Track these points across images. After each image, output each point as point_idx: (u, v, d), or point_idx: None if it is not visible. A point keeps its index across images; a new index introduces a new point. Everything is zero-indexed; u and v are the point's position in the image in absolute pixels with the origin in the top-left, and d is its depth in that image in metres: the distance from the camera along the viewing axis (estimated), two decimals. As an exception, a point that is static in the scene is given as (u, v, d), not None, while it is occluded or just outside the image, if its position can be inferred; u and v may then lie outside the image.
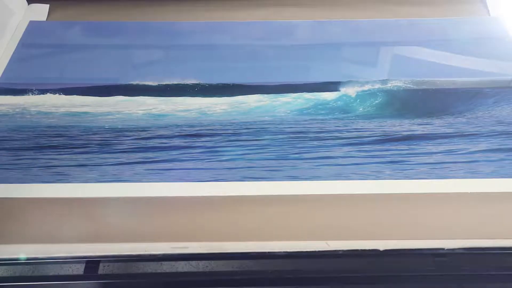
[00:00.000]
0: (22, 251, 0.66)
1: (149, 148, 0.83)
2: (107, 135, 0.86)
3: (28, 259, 0.67)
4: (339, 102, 0.94)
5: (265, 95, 0.96)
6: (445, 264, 0.65)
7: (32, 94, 0.96)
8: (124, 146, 0.84)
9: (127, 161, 0.81)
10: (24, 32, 1.09)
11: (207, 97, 0.95)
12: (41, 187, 0.75)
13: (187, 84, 0.98)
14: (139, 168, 0.79)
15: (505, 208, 0.71)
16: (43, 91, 0.96)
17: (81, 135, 0.86)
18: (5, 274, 0.71)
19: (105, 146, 0.84)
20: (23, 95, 0.95)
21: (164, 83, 0.98)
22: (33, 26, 1.11)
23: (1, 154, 0.82)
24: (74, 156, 0.82)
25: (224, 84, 0.98)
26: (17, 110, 0.92)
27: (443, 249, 0.66)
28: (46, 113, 0.92)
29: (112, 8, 1.15)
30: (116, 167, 0.79)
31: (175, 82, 0.98)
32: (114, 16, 1.13)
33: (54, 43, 1.08)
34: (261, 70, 1.01)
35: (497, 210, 0.71)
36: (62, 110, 0.93)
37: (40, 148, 0.84)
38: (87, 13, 1.14)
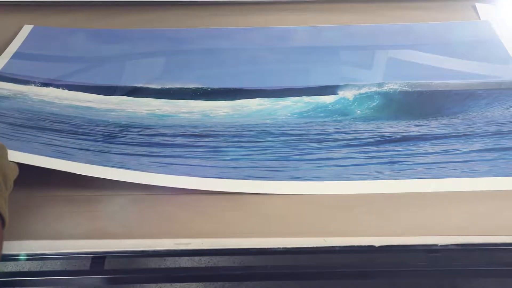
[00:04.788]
0: (29, 248, 0.67)
1: (154, 144, 0.83)
2: (111, 128, 0.86)
3: (36, 255, 0.67)
4: (337, 105, 0.95)
5: (266, 99, 0.97)
6: (438, 259, 0.66)
7: (35, 85, 0.96)
8: (128, 140, 0.84)
9: (132, 152, 0.80)
10: (28, 34, 1.10)
11: (210, 100, 0.97)
12: (41, 159, 0.73)
13: (189, 88, 0.99)
14: (144, 160, 0.79)
15: (500, 206, 0.72)
16: (46, 84, 0.97)
17: (85, 125, 0.86)
18: (14, 269, 0.72)
19: (109, 137, 0.83)
20: (25, 84, 0.95)
21: (167, 86, 1.00)
22: (36, 30, 1.12)
23: (1, 126, 0.81)
24: (77, 141, 0.81)
25: (226, 88, 0.99)
26: (18, 95, 0.92)
27: (436, 245, 0.67)
28: (49, 102, 0.92)
29: (115, 15, 1.17)
30: (121, 156, 0.79)
31: (178, 86, 1.00)
32: (116, 24, 1.15)
33: (58, 47, 1.10)
34: (262, 75, 1.02)
35: (492, 208, 0.72)
36: (65, 102, 0.93)
37: (42, 129, 0.83)
38: (90, 19, 1.16)
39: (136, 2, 1.19)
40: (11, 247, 0.66)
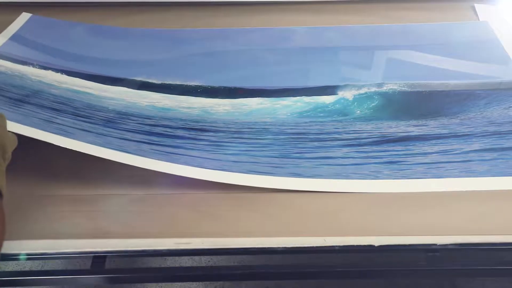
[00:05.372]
0: (30, 247, 0.67)
1: (154, 133, 0.83)
2: (111, 115, 0.86)
3: (37, 254, 0.68)
4: (337, 105, 0.96)
5: (266, 98, 0.98)
6: (437, 259, 0.67)
7: (33, 67, 0.96)
8: (129, 127, 0.84)
9: (132, 138, 0.80)
10: (26, 21, 1.10)
11: (210, 98, 0.97)
12: (42, 134, 0.72)
13: (190, 85, 0.99)
14: (145, 147, 0.79)
15: (498, 206, 0.73)
16: (44, 67, 0.97)
17: (85, 109, 0.85)
18: (16, 269, 0.72)
19: (109, 122, 0.83)
20: (23, 65, 0.95)
21: (167, 82, 1.00)
22: (35, 19, 1.12)
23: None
24: (77, 122, 0.80)
25: (226, 87, 1.00)
26: (16, 73, 0.92)
27: (435, 244, 0.67)
28: (47, 84, 0.91)
29: (116, 15, 1.17)
30: (121, 140, 0.79)
31: (178, 83, 1.00)
32: (118, 24, 1.15)
33: (57, 35, 1.10)
34: (262, 75, 1.03)
35: (491, 208, 0.72)
36: (64, 86, 0.93)
37: (41, 106, 0.82)
38: (91, 20, 1.16)
39: (136, 3, 1.19)
40: (12, 246, 0.66)
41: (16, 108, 0.80)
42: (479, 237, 0.68)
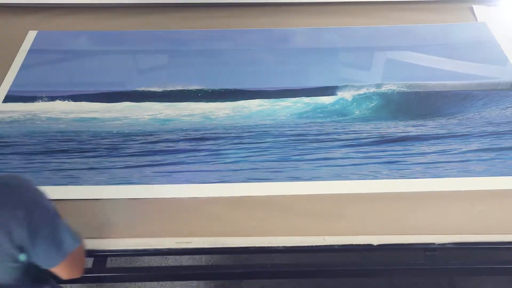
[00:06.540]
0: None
1: (156, 152, 0.85)
2: (115, 139, 0.88)
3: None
4: (336, 106, 0.96)
5: (266, 99, 0.98)
6: (435, 258, 0.67)
7: (42, 101, 0.98)
8: (132, 150, 0.86)
9: (135, 164, 0.82)
10: (33, 41, 1.12)
11: (210, 102, 0.98)
12: (53, 189, 0.74)
13: (190, 90, 1.00)
14: (147, 171, 0.81)
15: (496, 205, 0.74)
16: (52, 98, 0.98)
17: (91, 140, 0.88)
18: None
19: (113, 150, 0.86)
20: (33, 102, 0.97)
21: (168, 89, 1.01)
22: (41, 36, 1.13)
23: (13, 158, 0.84)
24: (84, 160, 0.83)
25: (226, 89, 1.01)
26: (27, 116, 0.94)
27: (434, 243, 0.68)
28: (55, 119, 0.94)
29: (117, 17, 1.17)
30: (125, 170, 0.81)
31: (179, 88, 1.01)
32: (118, 26, 1.15)
33: (62, 51, 1.11)
34: (262, 76, 1.03)
35: (489, 207, 0.73)
36: (71, 116, 0.95)
37: (51, 152, 0.86)
38: (92, 22, 1.17)
39: (137, 4, 1.19)
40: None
41: (29, 165, 0.84)
42: (477, 236, 0.69)
